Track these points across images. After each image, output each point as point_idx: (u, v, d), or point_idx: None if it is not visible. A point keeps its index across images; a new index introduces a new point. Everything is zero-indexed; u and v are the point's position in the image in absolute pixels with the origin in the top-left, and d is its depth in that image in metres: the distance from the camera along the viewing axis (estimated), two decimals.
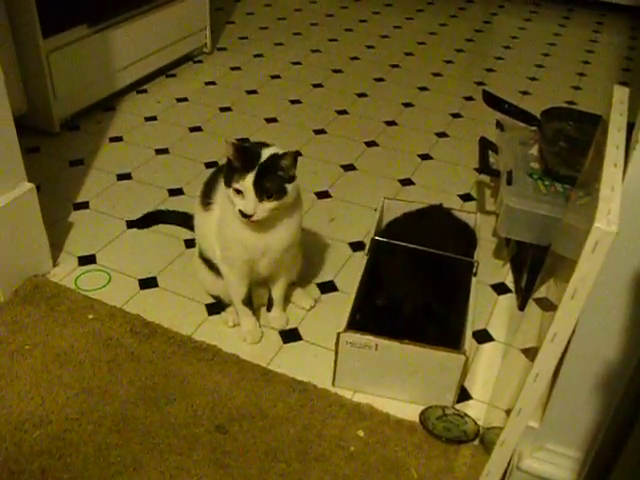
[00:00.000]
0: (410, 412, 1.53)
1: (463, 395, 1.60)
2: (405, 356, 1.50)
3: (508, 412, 1.27)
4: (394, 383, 1.57)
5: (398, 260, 1.72)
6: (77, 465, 1.38)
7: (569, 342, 1.04)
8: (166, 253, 1.98)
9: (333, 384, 1.61)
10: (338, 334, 1.51)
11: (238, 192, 1.43)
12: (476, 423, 1.51)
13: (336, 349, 1.54)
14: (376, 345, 1.50)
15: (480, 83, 3.22)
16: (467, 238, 1.86)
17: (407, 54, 3.56)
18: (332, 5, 4.27)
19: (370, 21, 4.05)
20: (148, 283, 1.89)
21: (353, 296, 1.61)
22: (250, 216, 1.43)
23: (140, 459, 1.39)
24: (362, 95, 3.05)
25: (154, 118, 2.76)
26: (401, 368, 1.53)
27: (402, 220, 1.90)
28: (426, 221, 1.89)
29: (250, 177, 1.41)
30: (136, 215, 2.13)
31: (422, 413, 1.53)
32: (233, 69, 3.26)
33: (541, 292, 1.75)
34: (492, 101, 2.17)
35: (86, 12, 2.57)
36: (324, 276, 1.94)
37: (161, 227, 2.10)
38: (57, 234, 2.01)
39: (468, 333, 1.53)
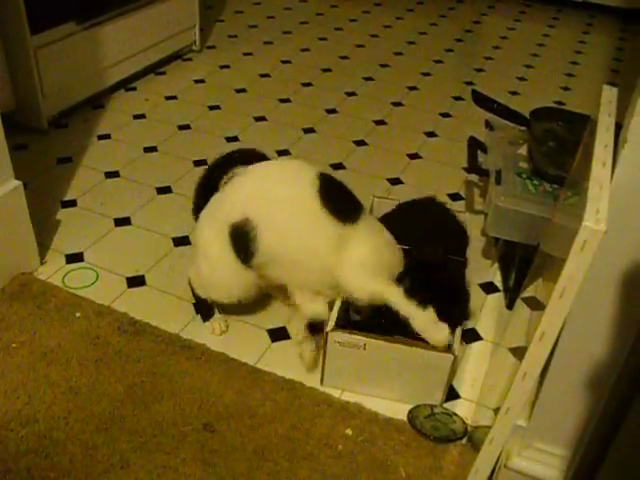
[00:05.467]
0: (398, 411, 1.54)
1: (451, 394, 1.60)
2: (394, 355, 1.50)
3: (496, 411, 1.28)
4: (383, 382, 1.57)
5: None
6: (64, 464, 1.37)
7: (557, 341, 1.04)
8: (154, 251, 1.97)
9: (322, 383, 1.60)
10: (326, 333, 1.51)
11: None
12: (464, 422, 1.51)
13: (324, 348, 1.54)
14: (364, 344, 1.50)
15: (469, 83, 3.22)
16: (459, 234, 1.84)
17: (397, 54, 3.57)
18: (322, 4, 4.26)
19: (360, 20, 4.05)
20: (136, 281, 1.88)
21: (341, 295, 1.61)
22: None
23: (127, 458, 1.39)
24: (351, 94, 3.05)
25: (143, 116, 2.75)
26: (390, 367, 1.53)
27: (395, 214, 1.88)
28: (418, 215, 1.87)
29: None
30: (124, 213, 2.13)
31: (410, 412, 1.53)
32: (222, 67, 3.26)
33: (529, 291, 1.75)
34: (481, 101, 2.17)
35: (75, 9, 2.55)
36: None
37: (149, 225, 2.09)
38: (45, 232, 1.99)
39: (457, 332, 1.53)
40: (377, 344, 1.50)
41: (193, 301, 1.79)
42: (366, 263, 1.52)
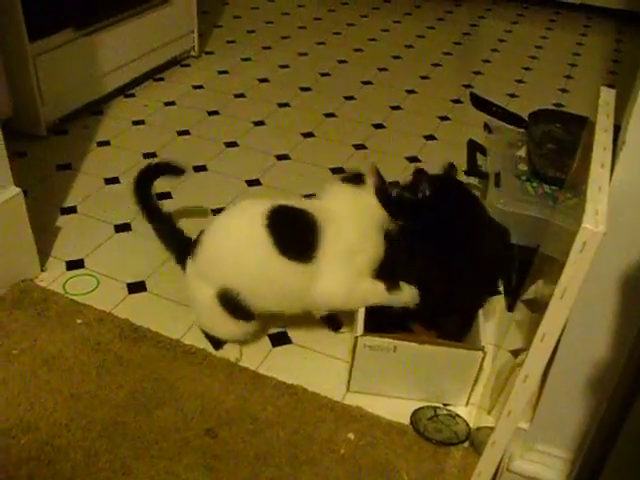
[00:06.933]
0: (400, 414, 1.53)
1: None
2: (424, 356, 1.51)
3: (498, 414, 1.27)
4: (411, 383, 1.58)
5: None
6: (66, 471, 1.37)
7: (558, 343, 1.04)
8: (155, 257, 1.97)
9: (348, 389, 1.60)
10: (356, 338, 1.50)
11: None
12: (467, 423, 1.51)
13: (353, 353, 1.54)
14: (395, 347, 1.50)
15: (468, 86, 3.23)
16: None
17: (395, 57, 3.57)
18: (320, 9, 4.27)
19: (358, 24, 4.05)
20: (137, 287, 1.88)
21: None
22: None
23: (129, 464, 1.39)
24: (350, 98, 3.06)
25: (142, 122, 2.76)
26: (419, 368, 1.54)
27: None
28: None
29: None
30: (124, 219, 2.13)
31: (413, 414, 1.53)
32: (221, 73, 3.26)
33: (529, 293, 1.75)
34: (480, 104, 2.18)
35: (73, 15, 2.55)
36: None
37: (149, 231, 2.09)
38: (45, 239, 1.99)
39: (482, 328, 1.54)
40: (407, 346, 1.50)
41: None
42: (336, 292, 1.55)
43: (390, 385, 1.59)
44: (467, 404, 1.58)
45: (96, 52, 2.69)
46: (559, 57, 3.71)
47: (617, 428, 0.94)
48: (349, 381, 1.59)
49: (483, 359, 1.50)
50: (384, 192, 1.57)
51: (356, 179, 1.61)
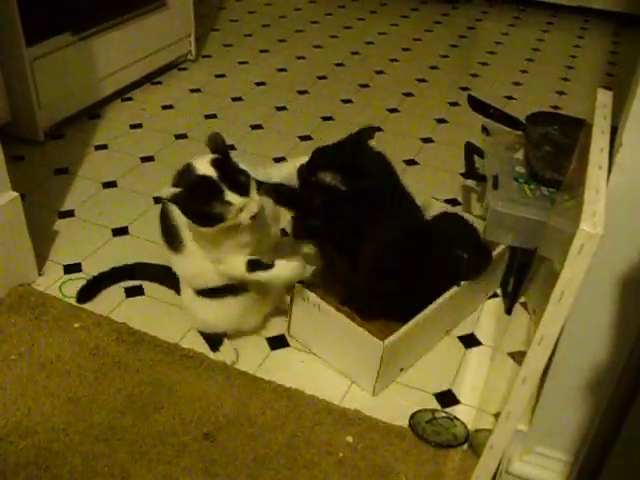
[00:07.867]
0: (399, 417, 1.53)
1: (451, 399, 1.60)
2: (337, 324, 1.57)
3: (497, 416, 1.27)
4: (332, 350, 1.65)
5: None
6: (64, 476, 1.36)
7: (556, 345, 1.04)
8: (152, 261, 1.96)
9: (288, 332, 1.74)
10: (295, 286, 1.63)
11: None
12: (466, 426, 1.51)
13: (291, 300, 1.68)
14: (318, 305, 1.59)
15: (465, 88, 3.23)
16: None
17: (392, 60, 3.57)
18: (317, 12, 4.27)
19: (355, 27, 4.06)
20: (134, 291, 1.88)
21: None
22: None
23: (128, 468, 1.38)
24: (347, 101, 3.06)
25: (139, 126, 2.76)
26: (335, 335, 1.61)
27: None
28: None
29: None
30: (121, 223, 2.13)
31: (412, 417, 1.53)
32: (218, 76, 3.26)
33: (528, 296, 1.75)
34: (477, 106, 2.18)
35: (70, 20, 2.56)
36: None
37: (147, 235, 2.09)
38: (42, 243, 1.99)
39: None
40: (327, 309, 1.58)
41: None
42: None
43: (318, 344, 1.67)
44: (373, 394, 1.59)
45: (93, 56, 2.69)
46: (556, 59, 3.71)
47: (616, 431, 0.94)
48: (289, 326, 1.73)
49: (385, 352, 1.49)
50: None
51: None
